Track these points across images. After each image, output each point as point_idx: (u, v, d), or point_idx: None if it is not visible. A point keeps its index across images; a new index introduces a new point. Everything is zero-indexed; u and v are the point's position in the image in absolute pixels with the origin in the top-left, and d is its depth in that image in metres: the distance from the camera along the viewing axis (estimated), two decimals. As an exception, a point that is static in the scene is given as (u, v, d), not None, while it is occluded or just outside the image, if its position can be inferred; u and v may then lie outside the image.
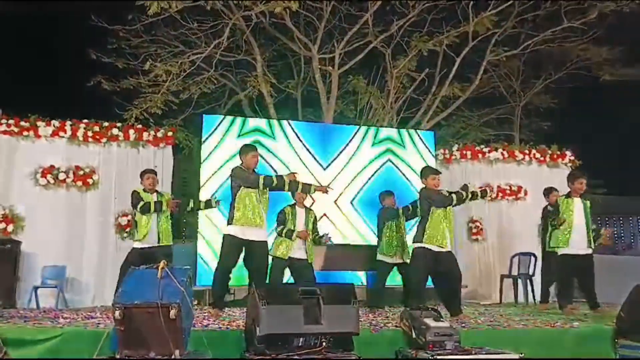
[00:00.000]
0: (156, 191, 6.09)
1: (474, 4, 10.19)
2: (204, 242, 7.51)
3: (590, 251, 5.99)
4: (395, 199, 6.80)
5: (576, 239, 5.92)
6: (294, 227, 6.12)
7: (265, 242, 5.42)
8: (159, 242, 5.88)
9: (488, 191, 6.75)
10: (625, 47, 11.18)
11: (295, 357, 3.46)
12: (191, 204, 6.29)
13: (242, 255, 5.35)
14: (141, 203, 5.88)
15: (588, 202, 6.11)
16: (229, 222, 5.27)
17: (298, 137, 8.28)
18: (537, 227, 7.18)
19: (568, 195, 6.11)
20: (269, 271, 5.66)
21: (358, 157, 8.42)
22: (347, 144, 8.45)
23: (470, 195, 5.56)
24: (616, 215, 17.99)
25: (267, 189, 5.32)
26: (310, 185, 5.49)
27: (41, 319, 4.74)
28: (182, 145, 10.59)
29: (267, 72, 10.70)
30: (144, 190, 6.05)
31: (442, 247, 5.42)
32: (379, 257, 6.61)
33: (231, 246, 5.25)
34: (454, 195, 5.52)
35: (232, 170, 5.41)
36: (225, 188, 6.84)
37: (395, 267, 6.56)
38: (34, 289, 6.87)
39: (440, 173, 5.98)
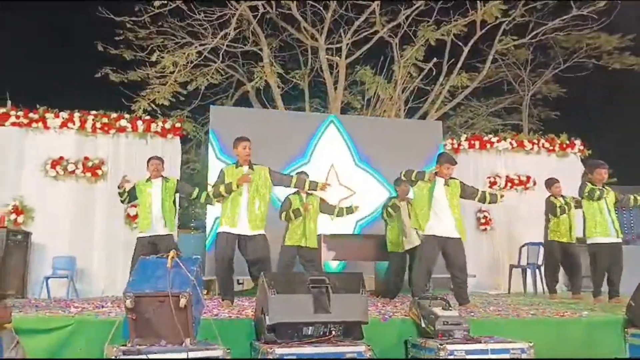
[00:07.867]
0: (161, 176, 6.06)
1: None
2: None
3: (620, 240, 6.03)
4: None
5: (609, 228, 5.97)
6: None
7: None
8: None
9: None
10: (635, 36, 11.07)
11: (305, 345, 3.48)
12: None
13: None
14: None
15: (612, 191, 6.16)
16: None
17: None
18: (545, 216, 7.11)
19: (594, 184, 6.13)
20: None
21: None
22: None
23: None
24: (627, 204, 17.78)
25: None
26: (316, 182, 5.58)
27: (53, 308, 4.77)
28: (190, 136, 10.61)
29: (274, 63, 10.67)
30: (148, 179, 6.03)
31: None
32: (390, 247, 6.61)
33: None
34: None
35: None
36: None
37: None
38: (45, 279, 6.94)
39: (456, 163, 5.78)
